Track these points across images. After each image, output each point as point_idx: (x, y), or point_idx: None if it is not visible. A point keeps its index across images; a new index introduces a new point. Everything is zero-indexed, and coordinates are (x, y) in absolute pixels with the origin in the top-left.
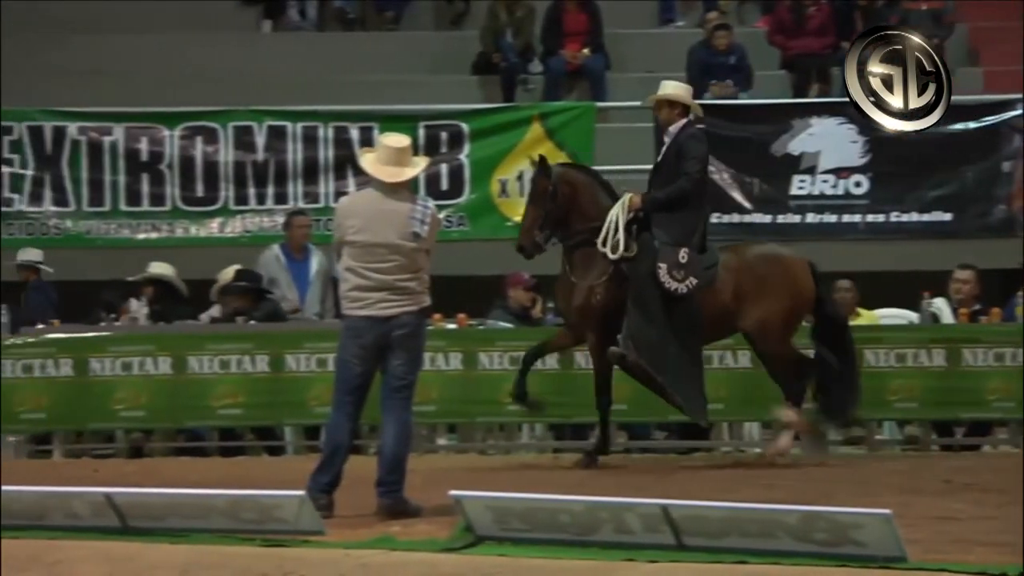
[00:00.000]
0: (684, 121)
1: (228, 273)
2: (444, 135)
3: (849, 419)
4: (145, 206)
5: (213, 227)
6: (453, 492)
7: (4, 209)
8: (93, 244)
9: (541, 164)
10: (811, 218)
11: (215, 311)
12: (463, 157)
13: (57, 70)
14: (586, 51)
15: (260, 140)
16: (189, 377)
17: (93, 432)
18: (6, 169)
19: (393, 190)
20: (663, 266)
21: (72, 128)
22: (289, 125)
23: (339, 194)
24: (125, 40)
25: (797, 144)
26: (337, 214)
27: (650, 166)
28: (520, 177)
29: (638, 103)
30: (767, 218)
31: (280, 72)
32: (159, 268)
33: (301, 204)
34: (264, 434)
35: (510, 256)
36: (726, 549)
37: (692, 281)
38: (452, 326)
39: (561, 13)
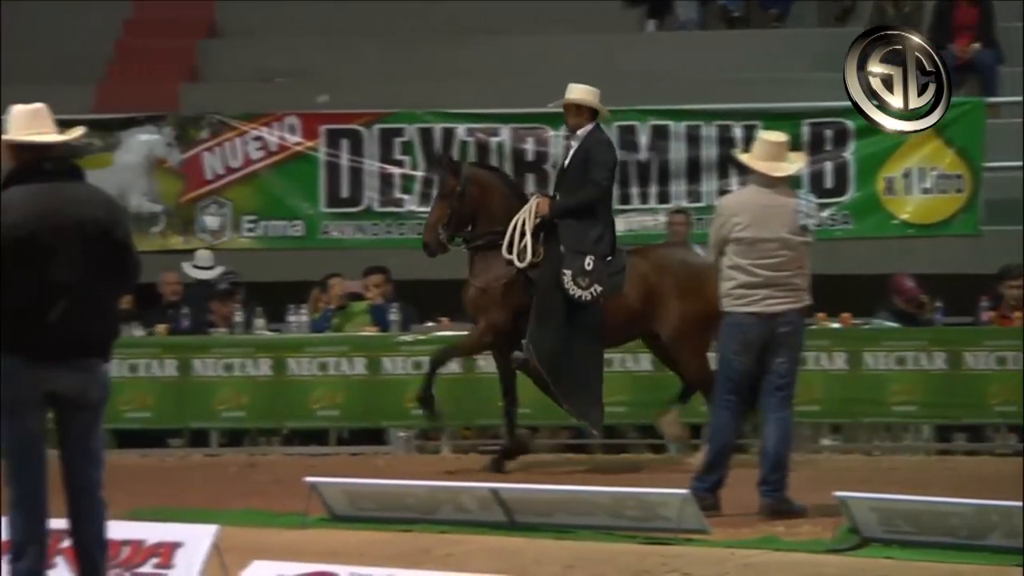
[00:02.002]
0: (592, 126)
1: None
2: (829, 132)
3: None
4: None
5: None
6: (838, 493)
7: (395, 210)
8: None
9: (450, 162)
10: None
11: None
12: (848, 155)
13: (446, 72)
14: (976, 45)
15: (643, 139)
16: None
17: (480, 428)
18: (397, 170)
19: (774, 185)
20: (568, 273)
21: (460, 129)
22: (672, 124)
23: (722, 193)
24: (511, 41)
25: None
26: (721, 212)
27: None
28: (907, 175)
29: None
30: None
31: (664, 71)
32: None
33: (684, 203)
34: (647, 432)
35: (896, 254)
36: None
37: (597, 288)
38: (836, 325)
39: (951, 7)
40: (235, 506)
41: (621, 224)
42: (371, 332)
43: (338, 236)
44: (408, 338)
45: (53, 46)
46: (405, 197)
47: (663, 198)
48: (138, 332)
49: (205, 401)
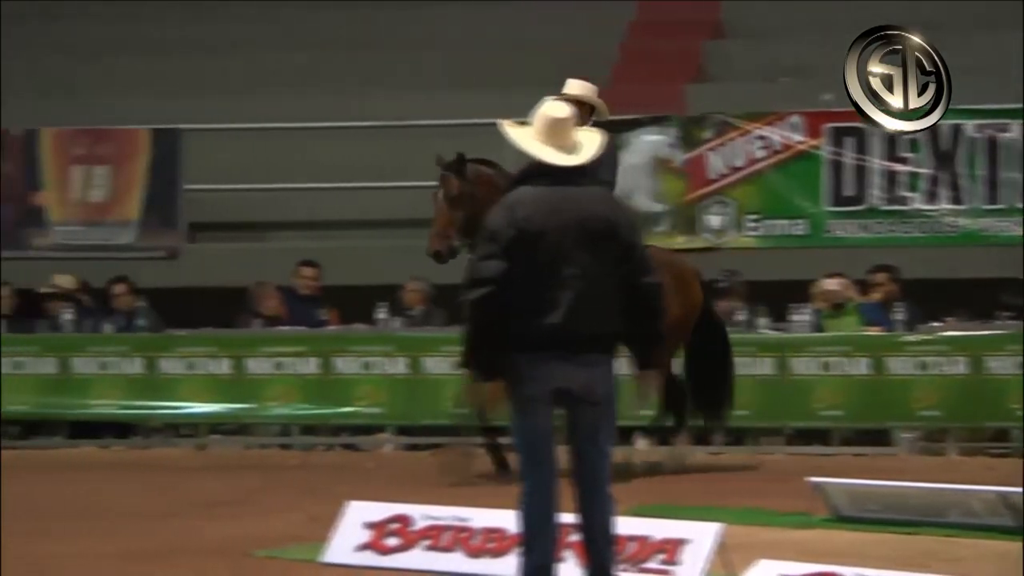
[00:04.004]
0: (592, 122)
1: None
2: None
3: (723, 420)
4: None
5: None
6: None
7: (900, 208)
8: (986, 242)
9: (457, 162)
10: None
11: None
12: None
13: (953, 67)
14: None
15: None
16: None
17: (988, 430)
18: (902, 168)
19: None
20: None
21: (969, 126)
22: None
23: None
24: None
25: None
26: None
27: None
28: None
29: None
30: None
31: None
32: None
33: None
34: None
35: None
36: None
37: None
38: None
39: None
40: (738, 504)
41: None
42: (875, 332)
43: (841, 235)
44: (913, 338)
45: (558, 49)
46: (911, 195)
47: None
48: None
49: None
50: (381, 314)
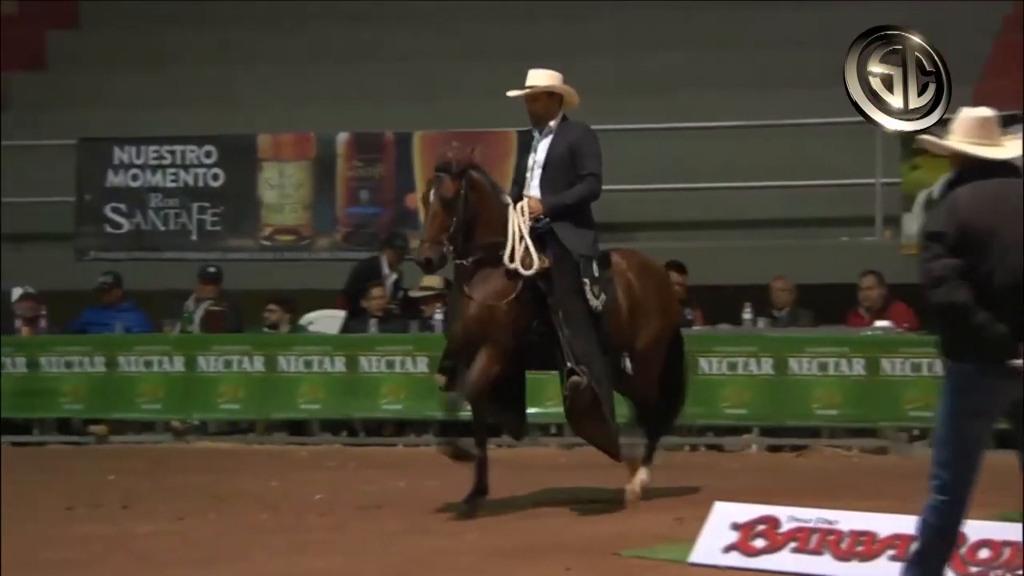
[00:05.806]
0: (563, 114)
1: None
2: None
3: (673, 425)
4: None
5: None
6: None
7: None
8: None
9: (448, 165)
10: None
11: None
12: None
13: None
14: None
15: None
16: None
17: None
18: None
19: None
20: (587, 281)
21: None
22: None
23: None
24: None
25: None
26: None
27: None
28: None
29: None
30: None
31: None
32: None
33: None
34: None
35: None
36: None
37: (603, 296)
38: None
39: None
40: None
41: None
42: None
43: None
44: None
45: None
46: None
47: None
48: None
49: None
50: (747, 314)
